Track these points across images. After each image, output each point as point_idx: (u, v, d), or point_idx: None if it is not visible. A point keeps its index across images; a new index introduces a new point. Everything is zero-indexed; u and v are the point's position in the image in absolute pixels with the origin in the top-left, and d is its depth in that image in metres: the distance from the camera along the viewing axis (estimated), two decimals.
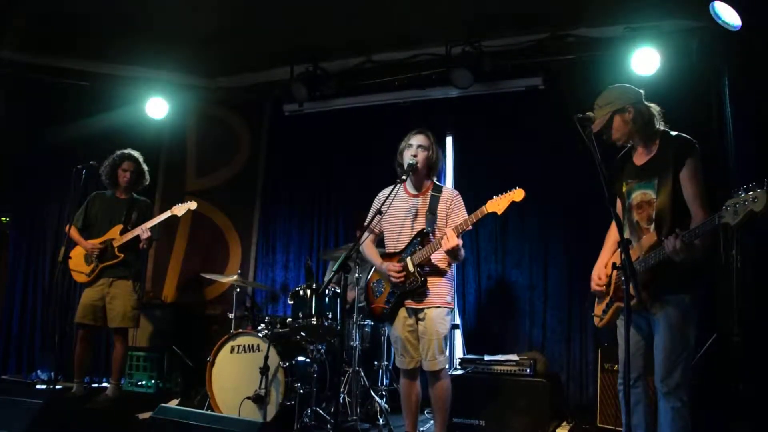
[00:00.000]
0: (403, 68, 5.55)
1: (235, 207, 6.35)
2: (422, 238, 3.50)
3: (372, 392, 4.42)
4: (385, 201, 3.46)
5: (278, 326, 4.56)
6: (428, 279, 3.47)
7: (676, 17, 4.68)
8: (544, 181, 5.01)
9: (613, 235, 3.08)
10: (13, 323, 6.10)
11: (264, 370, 3.99)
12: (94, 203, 4.93)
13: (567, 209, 5.03)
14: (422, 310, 3.49)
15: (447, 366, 3.55)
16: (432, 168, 3.64)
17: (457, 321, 5.33)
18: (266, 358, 3.99)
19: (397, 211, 3.60)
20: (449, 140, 5.63)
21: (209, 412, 3.86)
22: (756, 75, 4.19)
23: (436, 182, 3.68)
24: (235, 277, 4.85)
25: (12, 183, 6.24)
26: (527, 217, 5.18)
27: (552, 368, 4.83)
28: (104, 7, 4.89)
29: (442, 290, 3.50)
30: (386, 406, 4.48)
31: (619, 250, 2.63)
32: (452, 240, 3.29)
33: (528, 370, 4.30)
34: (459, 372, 4.50)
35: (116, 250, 4.72)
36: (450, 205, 3.56)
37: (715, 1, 4.01)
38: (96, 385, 5.59)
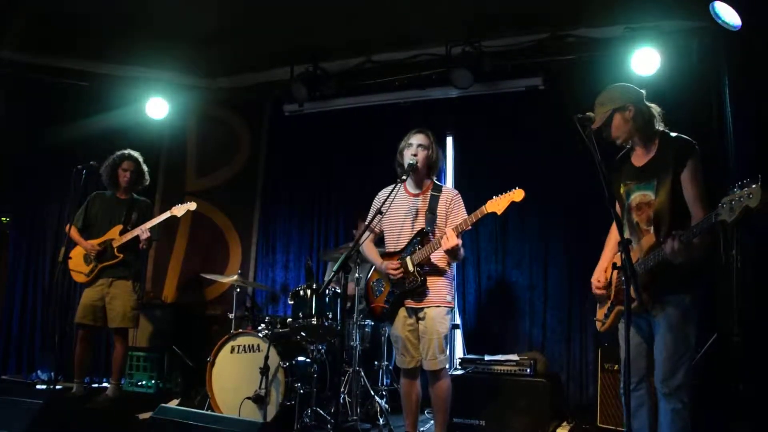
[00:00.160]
0: (403, 68, 5.55)
1: (235, 207, 6.35)
2: (422, 238, 3.50)
3: (372, 392, 4.42)
4: (385, 201, 3.46)
5: (278, 326, 4.56)
6: (428, 278, 3.47)
7: (676, 17, 4.68)
8: (544, 181, 5.00)
9: (613, 237, 3.08)
10: (13, 323, 6.09)
11: (264, 371, 3.98)
12: (94, 203, 4.93)
13: (567, 209, 5.03)
14: (422, 309, 3.49)
15: (447, 365, 3.56)
16: (432, 167, 3.64)
17: (458, 321, 5.33)
18: (266, 358, 3.99)
19: (397, 210, 3.60)
20: (449, 140, 5.64)
21: (209, 412, 3.85)
22: (756, 75, 4.19)
23: (436, 182, 3.69)
24: (235, 277, 4.85)
25: (12, 183, 6.24)
26: (527, 217, 5.19)
27: (552, 368, 4.83)
28: (104, 7, 4.89)
29: (441, 290, 3.50)
30: (386, 406, 4.48)
31: (619, 250, 2.63)
32: (452, 240, 3.29)
33: (528, 370, 4.30)
34: (459, 372, 4.50)
35: (116, 250, 4.72)
36: (450, 204, 3.56)
37: (716, 1, 4.01)
38: (96, 385, 5.59)
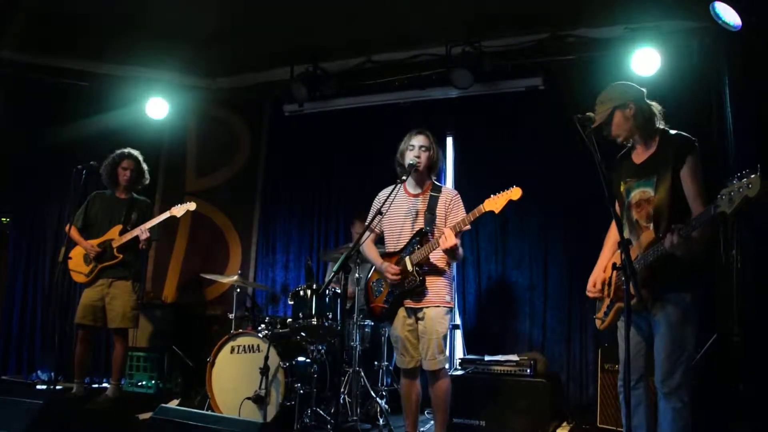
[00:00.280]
0: (403, 68, 5.55)
1: (235, 207, 6.35)
2: (421, 238, 3.50)
3: (372, 393, 4.42)
4: (385, 201, 3.46)
5: (278, 326, 4.56)
6: (427, 278, 3.48)
7: (676, 17, 4.68)
8: (544, 181, 5.01)
9: (611, 237, 3.08)
10: (13, 323, 6.09)
11: (264, 371, 3.98)
12: (94, 203, 4.92)
13: (567, 209, 5.03)
14: (421, 309, 3.49)
15: (447, 365, 3.55)
16: (432, 168, 3.65)
17: (458, 321, 5.33)
18: (266, 358, 3.99)
19: (396, 210, 3.60)
20: (449, 140, 5.64)
21: (209, 412, 3.85)
22: (756, 75, 4.19)
23: (436, 182, 3.69)
24: (235, 277, 4.85)
25: (12, 183, 6.24)
26: (527, 217, 5.19)
27: (552, 368, 4.83)
28: (104, 7, 4.89)
29: (441, 289, 3.51)
30: (386, 406, 4.48)
31: (619, 250, 2.63)
32: (450, 239, 3.30)
33: (528, 371, 4.30)
34: (459, 372, 4.50)
35: (115, 250, 4.71)
36: (449, 204, 3.57)
37: (716, 1, 4.01)
38: (96, 385, 5.58)
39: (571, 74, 5.02)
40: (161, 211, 4.86)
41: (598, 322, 3.02)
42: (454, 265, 5.28)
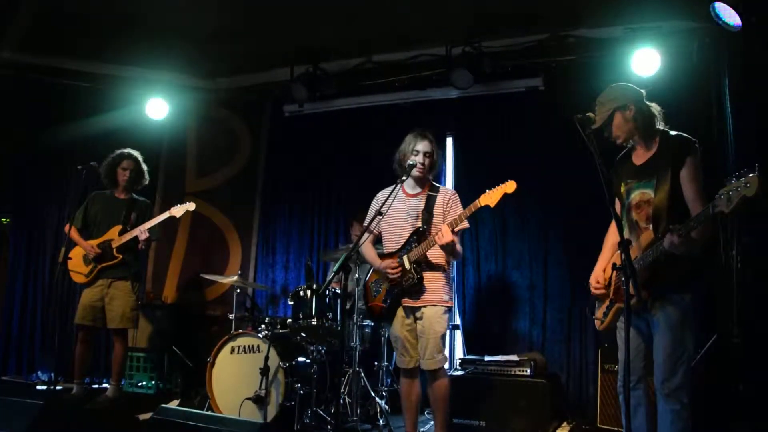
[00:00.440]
0: (403, 69, 5.55)
1: (235, 207, 6.35)
2: (419, 236, 3.52)
3: (372, 393, 4.42)
4: (385, 202, 3.47)
5: (278, 327, 4.56)
6: (425, 276, 3.48)
7: (676, 18, 4.67)
8: (544, 182, 5.02)
9: (611, 237, 3.08)
10: (13, 323, 6.09)
11: (264, 371, 3.98)
12: (93, 203, 4.92)
13: (567, 209, 5.03)
14: (419, 308, 3.50)
15: (446, 365, 3.55)
16: (432, 170, 3.66)
17: (458, 321, 5.33)
18: (266, 358, 3.99)
19: (395, 211, 3.61)
20: (449, 141, 5.63)
21: (209, 412, 3.85)
22: (756, 75, 4.19)
23: (434, 183, 3.70)
24: (235, 277, 4.85)
25: (12, 183, 6.24)
26: (527, 217, 5.19)
27: (552, 369, 4.83)
28: (104, 7, 4.89)
29: (439, 289, 3.51)
30: (386, 406, 4.48)
31: (619, 251, 2.63)
32: (447, 235, 3.31)
33: (528, 371, 4.30)
34: (459, 372, 4.50)
35: (114, 250, 4.71)
36: (447, 204, 3.58)
37: (716, 2, 4.01)
38: (96, 385, 5.58)
39: (572, 75, 5.02)
40: (161, 212, 4.86)
41: (597, 323, 3.02)
42: (454, 265, 5.29)
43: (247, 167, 6.39)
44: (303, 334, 4.29)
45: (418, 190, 3.65)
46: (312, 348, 4.31)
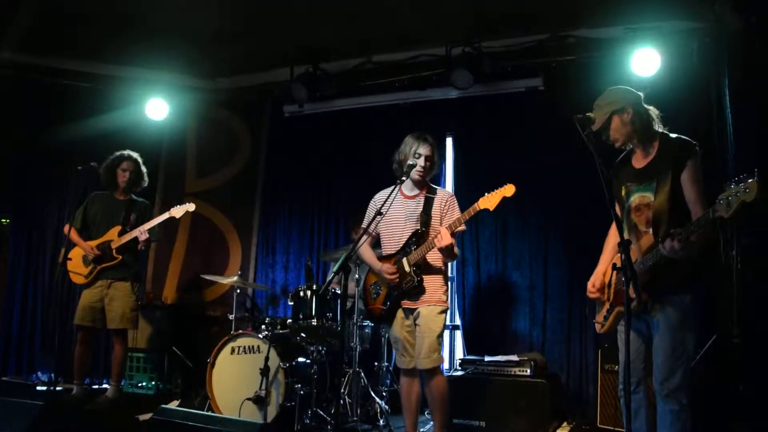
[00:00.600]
0: (403, 69, 5.55)
1: (235, 208, 6.35)
2: (417, 239, 3.52)
3: (372, 393, 4.42)
4: (384, 203, 3.46)
5: (278, 327, 4.56)
6: (424, 278, 3.49)
7: (676, 18, 4.68)
8: (544, 182, 5.03)
9: (611, 239, 3.08)
10: (13, 324, 6.09)
11: (264, 371, 3.98)
12: (93, 204, 4.92)
13: (567, 209, 5.03)
14: (417, 309, 3.51)
15: (441, 364, 3.55)
16: (431, 172, 3.67)
17: (458, 321, 5.34)
18: (266, 359, 3.99)
19: (393, 213, 3.61)
20: (449, 141, 5.63)
21: (209, 413, 3.85)
22: (756, 75, 4.19)
23: (432, 184, 3.71)
24: (235, 278, 4.85)
25: (12, 183, 6.24)
26: (527, 217, 5.19)
27: (552, 369, 4.83)
28: (104, 7, 4.89)
29: (436, 289, 3.52)
30: (386, 407, 4.48)
31: (619, 251, 2.63)
32: (446, 238, 3.31)
33: (528, 371, 4.30)
34: (459, 373, 4.50)
35: (114, 251, 4.71)
36: (444, 206, 3.58)
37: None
38: (96, 386, 5.58)
39: (571, 75, 5.02)
40: (161, 212, 4.86)
41: (597, 326, 3.02)
42: (454, 265, 5.30)
43: (247, 167, 6.38)
44: (303, 335, 4.29)
45: (416, 192, 3.65)
46: (312, 348, 4.31)
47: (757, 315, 3.93)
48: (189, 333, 5.79)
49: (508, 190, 3.33)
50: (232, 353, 4.26)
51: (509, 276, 5.24)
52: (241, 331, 4.44)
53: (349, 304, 4.53)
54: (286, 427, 4.01)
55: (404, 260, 3.51)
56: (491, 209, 3.35)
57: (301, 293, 4.36)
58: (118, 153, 4.92)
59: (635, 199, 2.88)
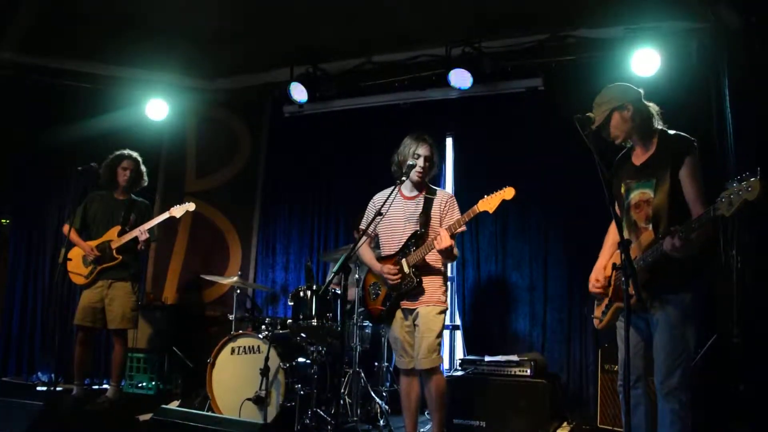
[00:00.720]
0: (403, 69, 5.55)
1: (235, 208, 6.35)
2: (417, 240, 3.52)
3: (372, 393, 4.42)
4: (384, 203, 3.47)
5: (278, 327, 4.56)
6: (423, 279, 3.49)
7: (675, 18, 4.68)
8: (544, 182, 5.03)
9: (611, 236, 3.09)
10: (13, 324, 6.10)
11: (264, 372, 3.98)
12: (92, 203, 4.91)
13: (567, 210, 5.03)
14: (416, 309, 3.51)
15: (440, 365, 3.55)
16: (431, 173, 3.67)
17: (458, 322, 5.34)
18: (267, 359, 3.99)
19: (392, 214, 3.61)
20: (449, 141, 5.63)
21: (210, 413, 3.85)
22: (756, 75, 4.19)
23: (431, 185, 3.71)
24: (235, 278, 4.85)
25: (12, 183, 6.25)
26: (527, 217, 5.19)
27: (552, 369, 4.83)
28: (104, 7, 4.89)
29: (436, 290, 3.52)
30: (386, 407, 4.48)
31: (619, 250, 2.63)
32: (445, 240, 3.31)
33: (528, 371, 4.30)
34: (460, 373, 4.50)
35: (114, 251, 4.71)
36: (444, 207, 3.58)
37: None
38: (96, 386, 5.59)
39: (571, 75, 5.02)
40: (161, 212, 4.86)
41: (596, 321, 3.02)
42: (453, 265, 5.30)
43: (247, 168, 6.39)
44: (303, 335, 4.29)
45: (416, 192, 3.65)
46: (312, 348, 4.30)
47: (757, 315, 3.93)
48: (189, 333, 5.79)
49: (508, 192, 3.33)
50: (232, 353, 4.26)
51: (509, 276, 5.24)
52: (241, 331, 4.44)
53: (348, 305, 4.53)
54: (286, 427, 4.01)
55: (404, 261, 3.51)
56: (491, 212, 3.35)
57: (301, 293, 4.36)
58: (118, 152, 4.93)
59: (635, 196, 2.88)
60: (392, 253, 3.61)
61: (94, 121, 5.87)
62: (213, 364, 4.26)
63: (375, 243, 3.82)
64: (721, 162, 4.31)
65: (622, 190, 2.95)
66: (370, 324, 4.63)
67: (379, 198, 3.71)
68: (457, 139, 5.62)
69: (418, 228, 3.54)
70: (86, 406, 4.60)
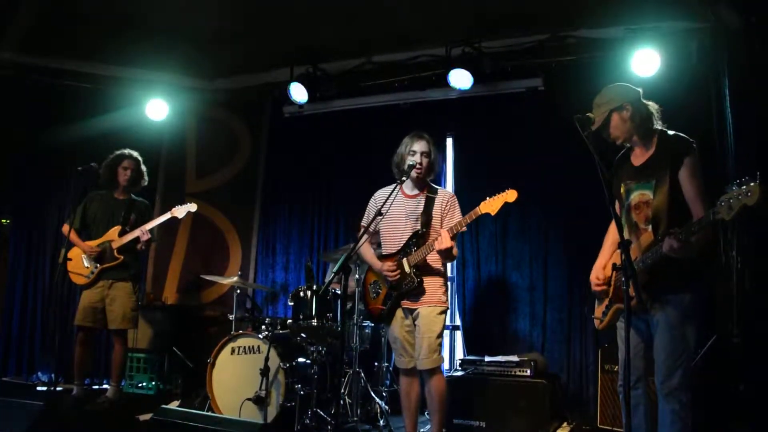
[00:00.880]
0: (403, 69, 5.55)
1: (235, 208, 6.35)
2: (417, 239, 3.52)
3: (372, 393, 4.42)
4: (384, 202, 3.47)
5: (279, 327, 4.56)
6: (424, 279, 3.49)
7: (676, 18, 4.68)
8: (544, 182, 5.03)
9: (611, 236, 3.09)
10: (14, 324, 6.10)
11: (264, 372, 3.99)
12: (92, 203, 4.91)
13: (567, 210, 5.03)
14: (417, 309, 3.51)
15: (441, 365, 3.55)
16: (431, 171, 3.65)
17: (458, 322, 5.34)
18: (267, 359, 3.99)
19: (394, 212, 3.61)
20: (449, 141, 5.64)
21: (210, 413, 3.85)
22: (756, 75, 4.19)
23: (433, 184, 3.70)
24: (235, 278, 4.85)
25: (12, 183, 6.25)
26: (527, 218, 5.19)
27: (552, 369, 4.83)
28: (104, 7, 4.89)
29: (436, 290, 3.52)
30: (386, 407, 4.48)
31: (619, 250, 2.63)
32: (446, 241, 3.31)
33: (528, 371, 4.30)
34: (459, 373, 4.50)
35: (115, 252, 4.71)
36: (445, 206, 3.58)
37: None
38: (96, 386, 5.59)
39: (572, 75, 5.02)
40: (161, 213, 4.86)
41: (596, 322, 3.02)
42: (453, 265, 5.30)
43: (247, 168, 6.39)
44: (303, 335, 4.29)
45: (417, 191, 3.65)
46: (312, 348, 4.30)
47: (757, 315, 3.93)
48: (189, 333, 5.79)
49: (510, 195, 3.32)
50: (232, 353, 4.26)
51: (509, 276, 5.24)
52: (241, 331, 4.44)
53: (348, 305, 4.53)
54: (286, 427, 4.01)
55: (404, 261, 3.51)
56: (492, 214, 3.34)
57: (301, 293, 4.36)
58: (118, 152, 4.93)
59: (635, 197, 2.88)
60: (393, 251, 3.61)
61: (94, 121, 5.87)
62: (213, 364, 4.26)
63: (377, 243, 3.82)
64: (721, 162, 4.31)
65: (622, 190, 2.95)
66: (370, 324, 4.63)
67: (380, 195, 3.70)
68: (457, 139, 5.62)
69: (419, 228, 3.54)
70: (86, 406, 4.60)
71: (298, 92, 5.59)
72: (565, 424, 4.46)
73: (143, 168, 5.00)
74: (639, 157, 2.93)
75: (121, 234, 4.74)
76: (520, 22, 4.99)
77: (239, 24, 5.16)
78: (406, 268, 3.49)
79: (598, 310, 3.01)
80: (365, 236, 3.62)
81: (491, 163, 5.29)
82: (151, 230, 4.73)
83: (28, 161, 6.19)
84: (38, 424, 3.07)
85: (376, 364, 4.75)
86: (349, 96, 5.80)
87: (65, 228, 4.66)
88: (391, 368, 4.77)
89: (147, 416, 3.86)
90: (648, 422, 2.85)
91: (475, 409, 4.25)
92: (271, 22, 5.09)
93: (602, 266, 3.03)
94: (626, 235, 2.82)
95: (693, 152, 2.75)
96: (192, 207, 4.85)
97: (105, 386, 5.39)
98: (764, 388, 3.75)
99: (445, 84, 5.20)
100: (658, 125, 2.90)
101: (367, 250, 3.73)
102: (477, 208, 3.36)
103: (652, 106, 2.91)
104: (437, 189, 3.66)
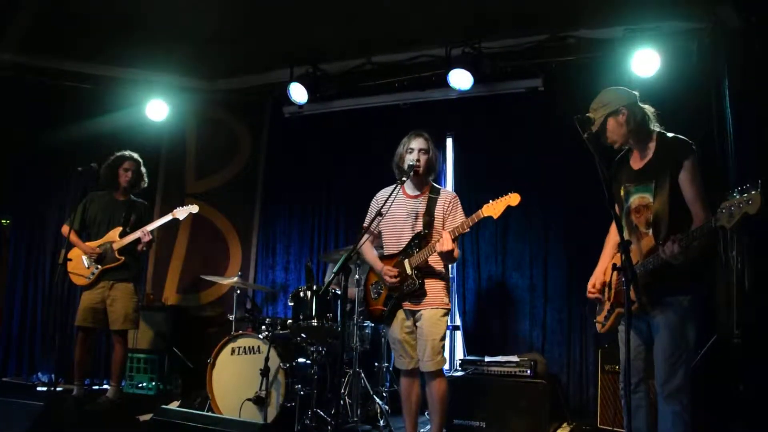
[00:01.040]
0: (403, 69, 5.55)
1: (235, 209, 6.35)
2: (419, 240, 3.50)
3: (372, 394, 4.42)
4: (385, 202, 3.46)
5: (279, 328, 4.56)
6: (425, 281, 3.47)
7: (676, 18, 4.68)
8: (544, 182, 5.03)
9: (611, 239, 3.08)
10: (14, 324, 6.10)
11: (264, 372, 3.99)
12: (92, 204, 4.91)
13: (567, 210, 5.03)
14: (419, 311, 3.50)
15: (444, 367, 3.54)
16: (431, 170, 3.64)
17: (458, 322, 5.33)
18: (267, 359, 3.99)
19: (395, 212, 3.60)
20: (449, 141, 5.64)
21: (210, 413, 3.85)
22: (756, 76, 4.19)
23: (435, 184, 3.69)
24: (235, 278, 4.85)
25: (12, 184, 6.25)
26: (527, 218, 5.19)
27: (552, 369, 4.83)
28: (104, 7, 4.89)
29: (438, 292, 3.51)
30: (387, 407, 4.48)
31: (619, 252, 2.63)
32: (447, 243, 3.30)
33: (528, 372, 4.30)
34: (460, 373, 4.50)
35: (116, 252, 4.71)
36: (447, 207, 3.56)
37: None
38: (96, 387, 5.58)
39: (571, 75, 5.02)
40: (162, 213, 4.86)
41: (598, 326, 3.02)
42: (454, 266, 5.29)
43: (247, 168, 6.39)
44: (303, 335, 4.29)
45: (418, 192, 3.64)
46: (312, 349, 4.30)
47: (757, 315, 3.93)
48: (189, 334, 5.78)
49: (513, 199, 3.30)
50: (232, 354, 4.26)
51: (509, 276, 5.25)
52: (241, 331, 4.43)
53: (349, 306, 4.52)
54: (286, 427, 4.01)
55: (406, 262, 3.50)
56: (495, 217, 3.32)
57: (301, 294, 4.36)
58: (119, 153, 4.93)
59: (634, 200, 2.87)
60: (394, 252, 3.59)
61: (95, 122, 5.86)
62: (213, 365, 4.26)
63: (379, 243, 3.81)
64: (721, 163, 4.31)
65: (621, 193, 2.94)
66: (370, 324, 4.63)
67: (382, 195, 3.68)
68: (457, 139, 5.63)
69: (421, 229, 3.52)
70: (86, 406, 4.60)
71: (298, 92, 5.59)
72: (565, 424, 4.46)
73: (143, 170, 5.00)
74: (638, 159, 2.92)
75: (122, 235, 4.74)
76: (519, 23, 4.99)
77: (239, 24, 5.16)
78: (408, 270, 3.48)
79: (601, 315, 3.01)
80: (365, 236, 3.62)
81: (491, 164, 5.29)
82: (151, 231, 4.73)
83: (28, 161, 6.19)
84: (38, 424, 3.07)
85: (376, 364, 4.75)
86: (349, 96, 5.80)
87: (65, 229, 4.65)
88: (391, 369, 4.77)
89: (147, 416, 3.87)
90: (649, 425, 2.85)
91: (475, 409, 4.25)
92: (271, 23, 5.09)
93: (602, 272, 3.02)
94: (626, 237, 2.81)
95: (693, 155, 2.73)
96: (194, 208, 4.85)
97: (105, 386, 5.39)
98: (764, 388, 3.76)
99: (445, 84, 5.20)
100: (656, 127, 2.89)
101: (368, 251, 3.72)
102: (480, 211, 3.35)
103: (649, 109, 2.90)
104: (439, 189, 3.65)
